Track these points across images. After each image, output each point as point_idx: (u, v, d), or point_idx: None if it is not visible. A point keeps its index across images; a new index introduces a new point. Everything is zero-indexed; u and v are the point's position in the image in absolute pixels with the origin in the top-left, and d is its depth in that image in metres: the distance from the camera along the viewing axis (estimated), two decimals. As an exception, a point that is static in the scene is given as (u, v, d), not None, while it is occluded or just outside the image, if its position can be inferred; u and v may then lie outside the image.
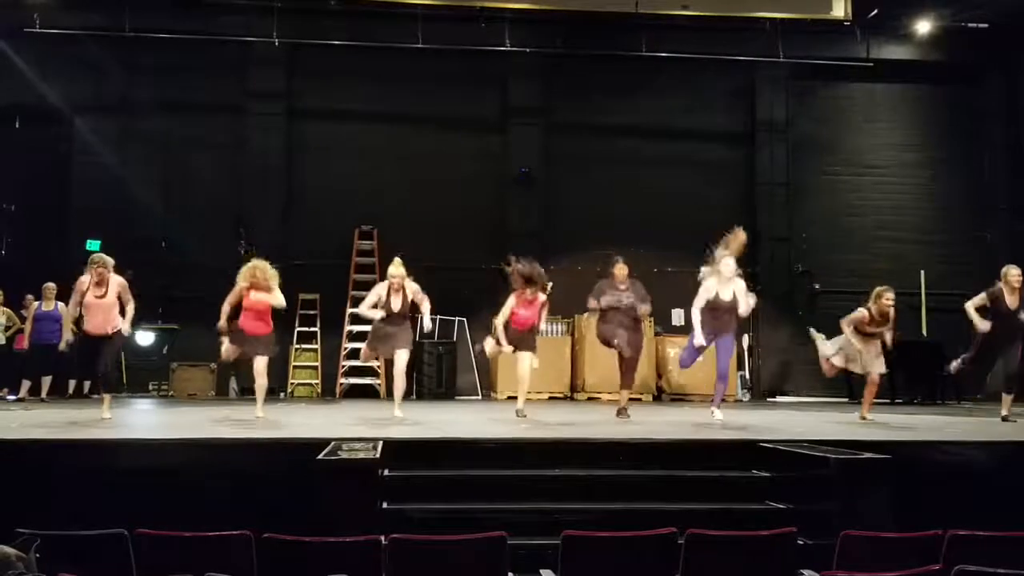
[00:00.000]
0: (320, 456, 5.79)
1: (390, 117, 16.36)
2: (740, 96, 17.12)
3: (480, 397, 15.35)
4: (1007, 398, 9.86)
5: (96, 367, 9.16)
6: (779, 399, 15.57)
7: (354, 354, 15.30)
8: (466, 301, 15.18)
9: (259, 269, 9.20)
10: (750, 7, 15.42)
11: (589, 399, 14.56)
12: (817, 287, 16.50)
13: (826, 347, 9.94)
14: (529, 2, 15.49)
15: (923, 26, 16.10)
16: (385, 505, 5.95)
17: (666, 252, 15.33)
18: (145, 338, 15.15)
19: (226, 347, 9.42)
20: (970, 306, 9.77)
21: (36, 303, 12.72)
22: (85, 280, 8.97)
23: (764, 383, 16.32)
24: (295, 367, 15.41)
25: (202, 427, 8.31)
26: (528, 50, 15.76)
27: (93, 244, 15.07)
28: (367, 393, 14.94)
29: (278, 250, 15.69)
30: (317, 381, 15.37)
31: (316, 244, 15.73)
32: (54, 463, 6.42)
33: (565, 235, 16.07)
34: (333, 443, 6.30)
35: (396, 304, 9.39)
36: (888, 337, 9.48)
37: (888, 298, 9.40)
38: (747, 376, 15.98)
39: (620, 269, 9.79)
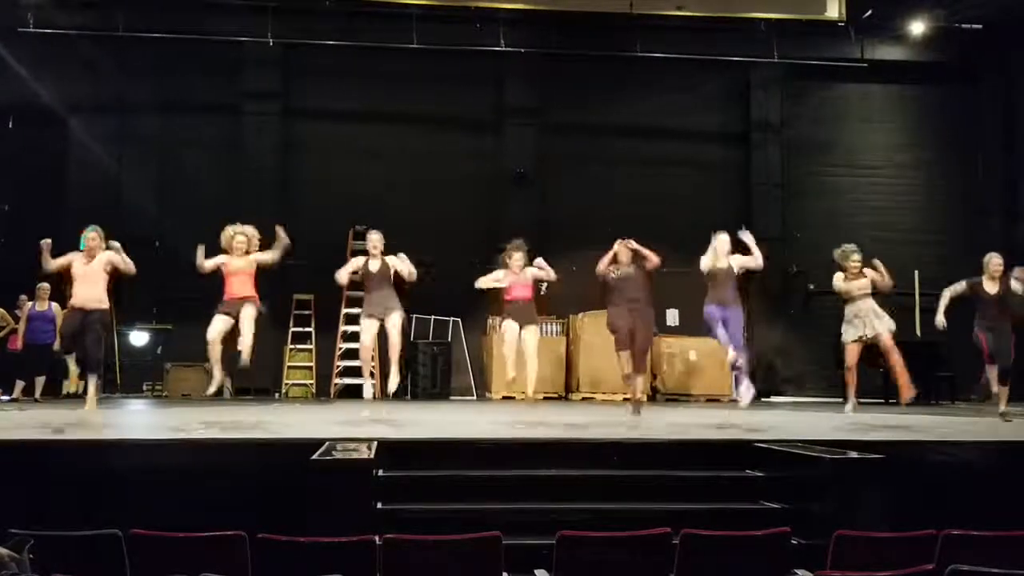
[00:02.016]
0: (314, 456, 5.79)
1: (385, 117, 16.35)
2: (735, 96, 17.15)
3: (475, 397, 15.35)
4: (1004, 391, 9.86)
5: (79, 345, 9.08)
6: (774, 399, 15.58)
7: (349, 354, 15.33)
8: (461, 301, 15.17)
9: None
10: (744, 8, 15.45)
11: (584, 399, 14.57)
12: (812, 287, 16.51)
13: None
14: (524, 2, 15.50)
15: (917, 27, 16.12)
16: (379, 505, 5.95)
17: (661, 252, 15.29)
18: (139, 338, 15.15)
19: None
20: (947, 292, 9.79)
21: (30, 303, 12.70)
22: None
23: (759, 383, 16.31)
24: (289, 367, 15.40)
25: (196, 427, 8.29)
26: (523, 50, 15.74)
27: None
28: (362, 393, 14.91)
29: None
30: (311, 381, 15.35)
31: (310, 244, 15.69)
32: (48, 463, 6.40)
33: (560, 235, 16.02)
34: (327, 443, 6.29)
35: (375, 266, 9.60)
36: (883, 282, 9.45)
37: (854, 260, 9.41)
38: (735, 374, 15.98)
39: (623, 253, 9.76)
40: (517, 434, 7.97)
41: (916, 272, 16.30)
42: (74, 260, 9.01)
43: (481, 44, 15.56)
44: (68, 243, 14.74)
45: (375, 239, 9.67)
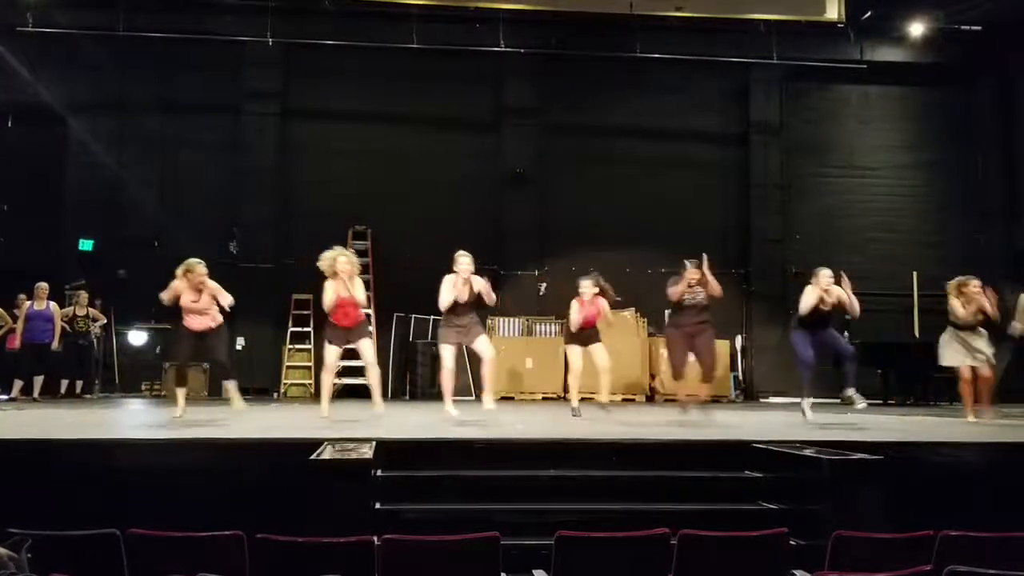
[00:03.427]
0: (313, 456, 5.78)
1: (384, 117, 16.36)
2: (734, 97, 17.17)
3: (473, 397, 15.32)
4: None
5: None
6: (772, 399, 15.59)
7: (347, 355, 15.31)
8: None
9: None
10: (744, 9, 15.45)
11: (582, 400, 14.54)
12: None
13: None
14: (524, 3, 15.49)
15: (916, 28, 16.14)
16: (378, 505, 5.94)
17: (660, 253, 15.33)
18: (138, 338, 15.15)
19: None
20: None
21: (28, 302, 12.68)
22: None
23: (757, 383, 16.35)
24: (288, 367, 15.41)
25: (194, 427, 8.29)
26: (522, 51, 15.76)
27: (86, 244, 15.11)
28: (360, 394, 14.91)
29: (272, 250, 15.76)
30: (310, 381, 15.35)
31: (310, 244, 15.65)
32: (46, 463, 6.40)
33: (559, 235, 16.10)
34: (326, 443, 6.29)
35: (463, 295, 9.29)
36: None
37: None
38: (740, 376, 16.01)
39: (692, 273, 9.79)
40: (515, 435, 7.97)
41: (915, 273, 16.31)
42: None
43: (481, 45, 15.57)
44: (64, 243, 14.80)
45: (466, 264, 9.28)
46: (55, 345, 12.64)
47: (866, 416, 9.93)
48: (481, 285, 9.29)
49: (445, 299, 9.26)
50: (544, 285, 15.95)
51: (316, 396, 14.89)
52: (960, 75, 17.21)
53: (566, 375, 15.05)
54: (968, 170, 17.17)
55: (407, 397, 14.67)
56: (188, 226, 15.48)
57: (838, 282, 9.59)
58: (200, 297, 9.05)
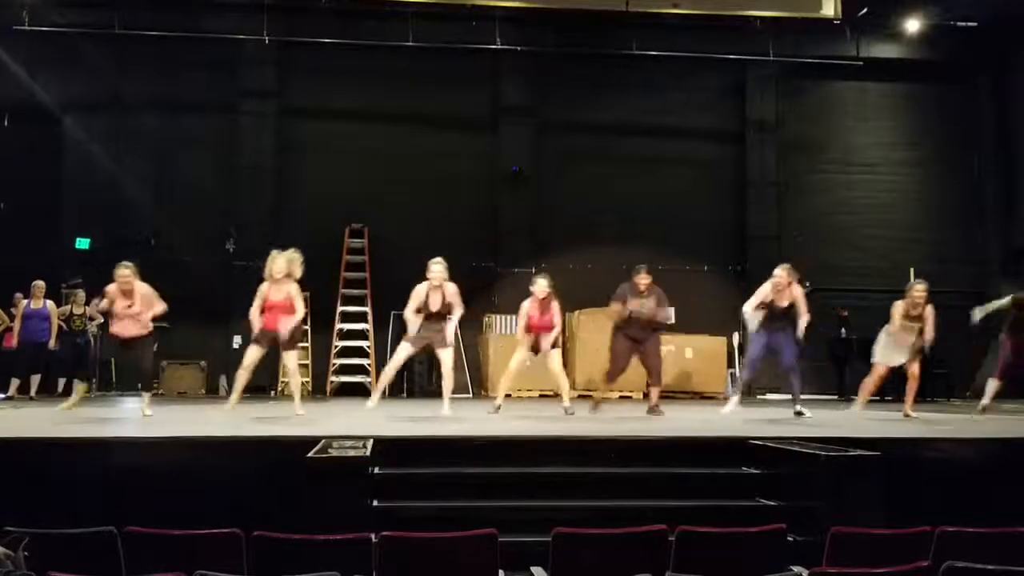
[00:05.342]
0: (310, 454, 5.78)
1: (381, 115, 16.35)
2: (730, 95, 17.16)
3: (471, 395, 15.34)
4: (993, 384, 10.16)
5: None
6: (769, 396, 15.58)
7: (345, 352, 15.33)
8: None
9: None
10: (740, 6, 15.43)
11: (580, 397, 14.54)
12: (807, 285, 16.51)
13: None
14: (520, 0, 15.48)
15: (913, 25, 16.15)
16: (375, 503, 5.95)
17: (656, 250, 15.34)
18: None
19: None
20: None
21: (25, 301, 12.65)
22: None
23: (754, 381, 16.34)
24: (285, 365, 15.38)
25: (192, 425, 8.29)
26: (519, 49, 15.75)
27: (83, 242, 15.08)
28: (358, 391, 14.92)
29: (268, 248, 15.71)
30: (308, 379, 15.33)
31: (307, 242, 15.62)
32: (43, 461, 6.39)
33: (556, 233, 16.09)
34: (323, 441, 6.29)
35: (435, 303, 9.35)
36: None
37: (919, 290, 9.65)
38: (737, 374, 16.00)
39: (643, 279, 9.88)
40: (513, 432, 7.97)
41: (911, 270, 16.27)
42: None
43: (477, 42, 15.56)
44: (61, 242, 14.78)
45: (439, 271, 9.36)
46: (52, 344, 12.60)
47: (864, 413, 9.92)
48: (452, 294, 9.34)
49: (411, 308, 9.39)
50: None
51: (313, 395, 14.95)
52: (958, 72, 17.22)
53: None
54: (966, 167, 17.18)
55: (404, 395, 14.66)
56: (185, 225, 15.48)
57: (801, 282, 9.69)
58: (132, 301, 8.92)
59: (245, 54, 15.82)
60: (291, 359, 9.43)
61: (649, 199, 16.42)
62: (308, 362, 15.40)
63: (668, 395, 14.78)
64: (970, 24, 16.04)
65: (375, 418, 9.00)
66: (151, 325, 9.19)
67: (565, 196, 16.41)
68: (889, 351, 9.79)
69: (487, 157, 16.48)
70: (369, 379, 14.90)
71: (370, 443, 6.26)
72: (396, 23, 15.22)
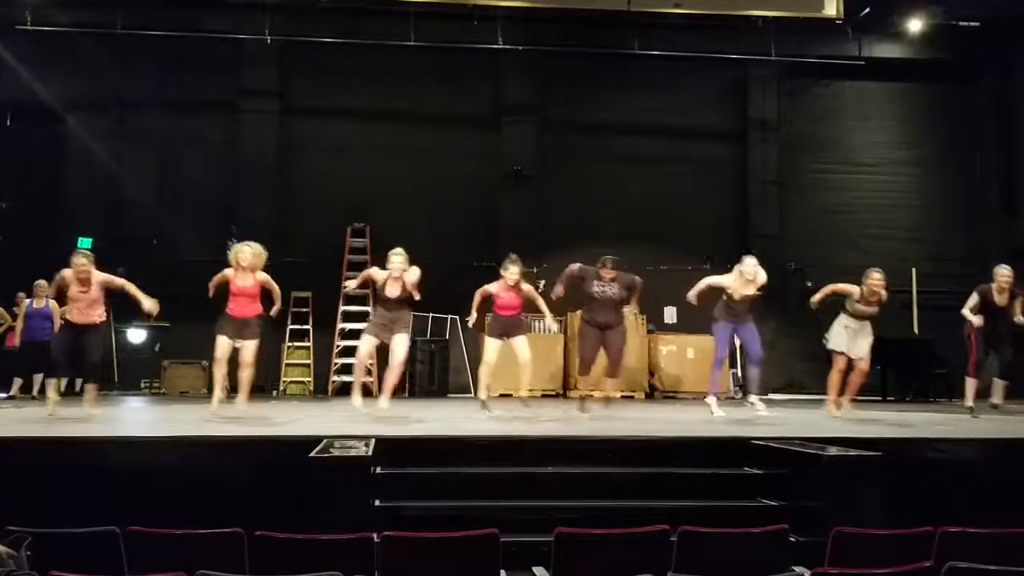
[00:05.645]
0: (312, 454, 5.79)
1: (383, 114, 16.36)
2: (732, 94, 17.16)
3: (473, 395, 15.31)
4: (999, 384, 10.03)
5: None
6: (770, 396, 15.58)
7: (347, 352, 15.32)
8: (459, 299, 15.12)
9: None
10: (742, 5, 15.42)
11: (580, 397, 14.52)
12: (809, 284, 16.51)
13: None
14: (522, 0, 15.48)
15: (915, 24, 16.14)
16: (377, 502, 5.95)
17: (659, 250, 15.39)
18: (137, 335, 15.13)
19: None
20: (966, 311, 9.83)
21: (27, 300, 12.66)
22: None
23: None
24: (287, 365, 15.41)
25: (194, 425, 8.29)
26: (521, 48, 15.74)
27: (85, 242, 15.06)
28: (366, 391, 14.91)
29: (270, 247, 15.71)
30: (309, 379, 15.37)
31: (309, 242, 15.71)
32: (45, 460, 6.40)
33: (558, 232, 16.08)
34: (325, 441, 6.29)
35: (394, 291, 9.37)
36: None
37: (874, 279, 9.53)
38: (738, 373, 15.99)
39: (607, 273, 9.78)
40: (515, 432, 7.97)
41: (913, 270, 16.31)
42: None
43: (480, 42, 15.55)
44: (63, 241, 14.79)
45: (398, 263, 9.45)
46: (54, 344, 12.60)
47: (865, 413, 9.90)
48: (411, 284, 9.36)
49: (354, 282, 9.93)
50: (543, 283, 15.92)
51: (315, 394, 14.96)
52: (959, 71, 17.21)
53: (564, 371, 15.14)
54: (967, 167, 17.17)
55: (406, 394, 14.66)
56: (187, 224, 15.49)
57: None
58: (88, 288, 8.96)
59: (247, 53, 15.83)
60: (249, 352, 9.29)
61: (651, 198, 16.42)
62: (310, 362, 15.44)
63: (670, 395, 14.83)
64: (972, 24, 16.03)
65: (375, 418, 8.98)
66: (105, 315, 9.26)
67: (567, 195, 16.41)
68: (847, 341, 9.67)
69: (489, 156, 16.48)
70: (371, 379, 14.88)
71: (372, 443, 6.27)
72: (398, 22, 15.22)
